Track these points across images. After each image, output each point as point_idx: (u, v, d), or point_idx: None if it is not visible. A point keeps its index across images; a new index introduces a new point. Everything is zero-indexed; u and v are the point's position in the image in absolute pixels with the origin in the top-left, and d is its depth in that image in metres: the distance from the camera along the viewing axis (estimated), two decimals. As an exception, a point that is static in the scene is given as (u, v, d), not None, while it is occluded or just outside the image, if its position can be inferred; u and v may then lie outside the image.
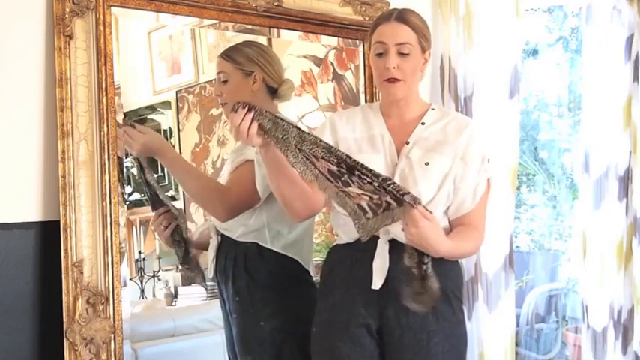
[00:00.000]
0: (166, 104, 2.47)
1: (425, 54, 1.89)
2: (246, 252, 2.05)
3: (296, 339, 1.99)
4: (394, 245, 1.79)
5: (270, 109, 2.16)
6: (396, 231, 1.74)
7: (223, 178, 2.13)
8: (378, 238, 1.79)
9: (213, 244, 2.13)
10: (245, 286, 2.04)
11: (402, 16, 1.85)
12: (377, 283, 1.78)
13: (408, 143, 1.87)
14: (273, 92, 2.17)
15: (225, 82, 2.14)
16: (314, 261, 2.23)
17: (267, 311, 2.02)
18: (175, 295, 2.48)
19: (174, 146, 2.47)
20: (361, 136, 1.90)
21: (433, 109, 1.95)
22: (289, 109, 2.24)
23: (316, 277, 2.10)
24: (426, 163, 1.82)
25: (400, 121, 1.91)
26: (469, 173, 1.85)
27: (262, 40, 2.38)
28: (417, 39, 1.85)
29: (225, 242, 2.11)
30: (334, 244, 1.99)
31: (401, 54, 1.83)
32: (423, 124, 1.90)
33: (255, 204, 2.03)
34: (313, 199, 1.82)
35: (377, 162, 1.83)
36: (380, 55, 1.84)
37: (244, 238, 2.05)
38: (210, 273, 2.16)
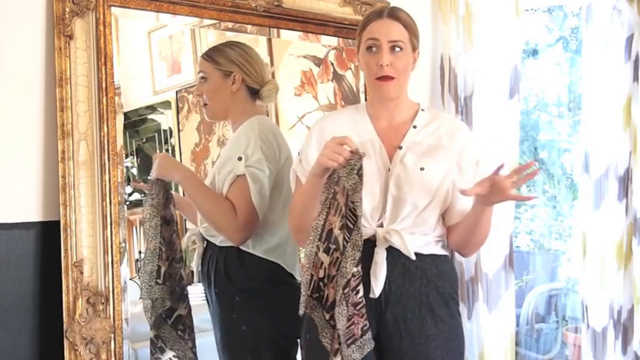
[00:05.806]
0: (166, 104, 2.46)
1: (414, 53, 1.85)
2: (226, 256, 2.02)
3: (277, 343, 1.98)
4: (390, 253, 1.77)
5: (253, 110, 2.12)
6: (394, 239, 1.75)
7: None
8: (375, 246, 1.76)
9: (199, 250, 2.11)
10: (225, 290, 2.02)
11: (394, 14, 1.82)
12: (375, 291, 1.75)
13: (400, 148, 1.82)
14: (255, 93, 2.13)
15: (205, 82, 2.11)
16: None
17: (248, 315, 1.99)
18: (175, 295, 2.48)
19: (174, 147, 2.47)
20: None
21: (422, 109, 1.90)
22: (290, 109, 2.23)
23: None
24: (422, 168, 1.79)
25: (390, 124, 1.86)
26: (464, 178, 1.83)
27: (262, 40, 2.37)
28: (408, 37, 1.81)
29: (209, 248, 2.09)
30: None
31: (393, 51, 1.79)
32: (414, 127, 1.85)
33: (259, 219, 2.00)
34: None
35: (369, 168, 1.75)
36: (371, 52, 1.80)
37: (227, 242, 2.02)
38: (195, 278, 2.16)
